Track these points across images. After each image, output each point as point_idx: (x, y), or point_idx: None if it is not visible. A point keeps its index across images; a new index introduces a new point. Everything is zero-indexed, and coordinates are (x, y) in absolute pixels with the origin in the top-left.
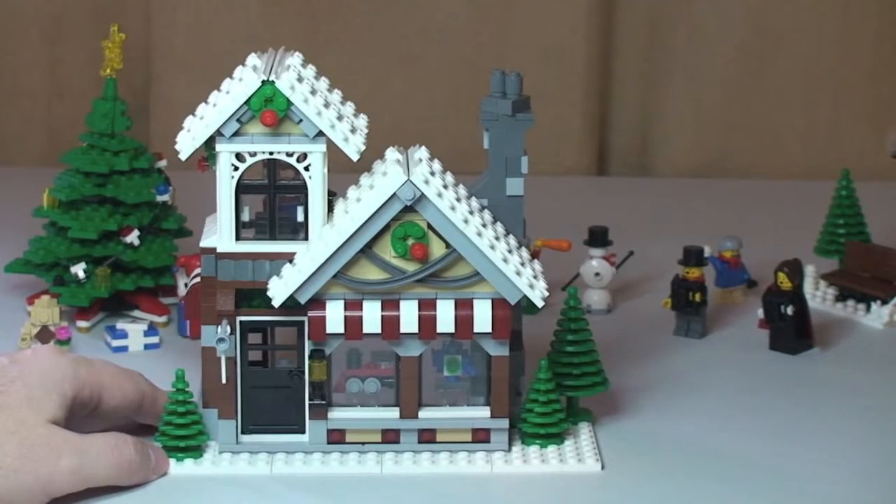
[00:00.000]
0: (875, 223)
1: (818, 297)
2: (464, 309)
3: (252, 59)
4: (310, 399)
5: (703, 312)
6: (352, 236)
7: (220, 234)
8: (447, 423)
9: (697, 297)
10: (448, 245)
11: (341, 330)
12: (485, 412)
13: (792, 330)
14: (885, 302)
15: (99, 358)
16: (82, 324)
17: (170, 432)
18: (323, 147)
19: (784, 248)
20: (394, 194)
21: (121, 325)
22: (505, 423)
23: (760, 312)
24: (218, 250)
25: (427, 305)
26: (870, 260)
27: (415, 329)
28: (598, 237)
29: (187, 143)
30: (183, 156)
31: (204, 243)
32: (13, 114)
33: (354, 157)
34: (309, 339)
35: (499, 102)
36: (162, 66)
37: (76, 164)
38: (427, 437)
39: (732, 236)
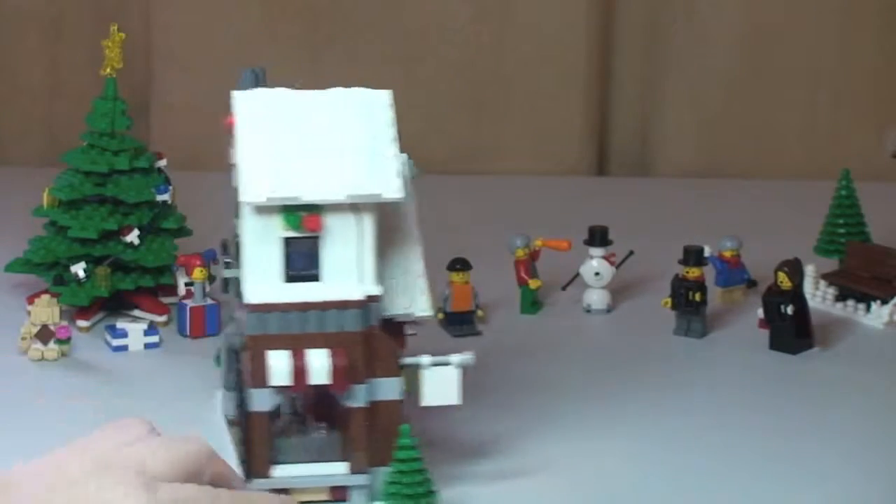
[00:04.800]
0: (875, 223)
1: (818, 296)
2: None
3: None
4: None
5: (703, 312)
6: None
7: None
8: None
9: (697, 296)
10: None
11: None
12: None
13: (792, 330)
14: (885, 302)
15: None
16: (82, 323)
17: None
18: None
19: (784, 248)
20: None
21: (121, 324)
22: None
23: (760, 312)
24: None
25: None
26: (870, 260)
27: None
28: (598, 237)
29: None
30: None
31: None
32: (13, 113)
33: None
34: None
35: None
36: (162, 66)
37: (76, 164)
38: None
39: (732, 236)
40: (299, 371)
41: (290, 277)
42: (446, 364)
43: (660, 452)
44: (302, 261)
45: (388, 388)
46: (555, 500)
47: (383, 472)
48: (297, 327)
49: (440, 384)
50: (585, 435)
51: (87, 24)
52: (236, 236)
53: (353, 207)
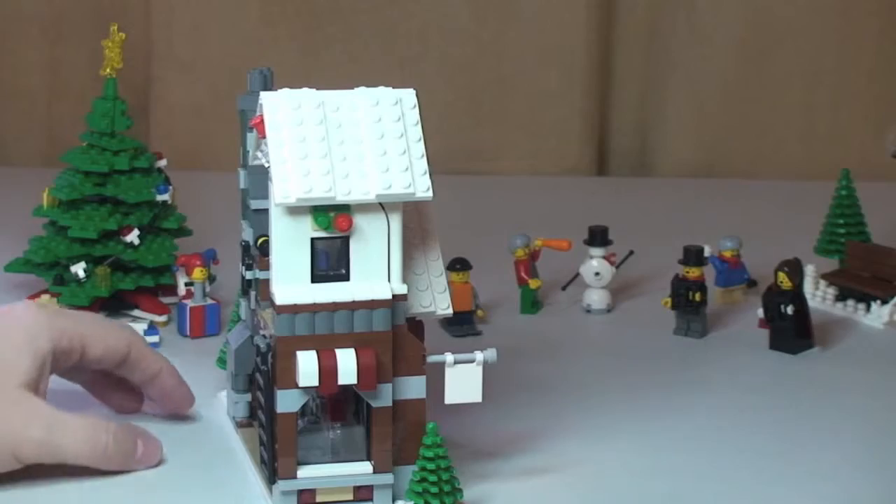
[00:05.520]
0: (875, 223)
1: (818, 296)
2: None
3: None
4: None
5: (703, 312)
6: None
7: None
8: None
9: (697, 296)
10: None
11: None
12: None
13: (792, 330)
14: (885, 302)
15: (85, 312)
16: None
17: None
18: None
19: (784, 248)
20: None
21: None
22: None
23: (760, 312)
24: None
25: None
26: (870, 260)
27: None
28: (598, 237)
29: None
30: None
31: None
32: (13, 114)
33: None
34: None
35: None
36: (162, 66)
37: (76, 164)
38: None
39: (732, 236)
40: (329, 372)
41: (319, 277)
42: (470, 362)
43: (660, 452)
44: (331, 261)
45: (414, 387)
46: (558, 499)
47: (409, 471)
48: (325, 328)
49: (463, 382)
50: (586, 434)
51: (87, 24)
52: (244, 239)
53: (382, 207)
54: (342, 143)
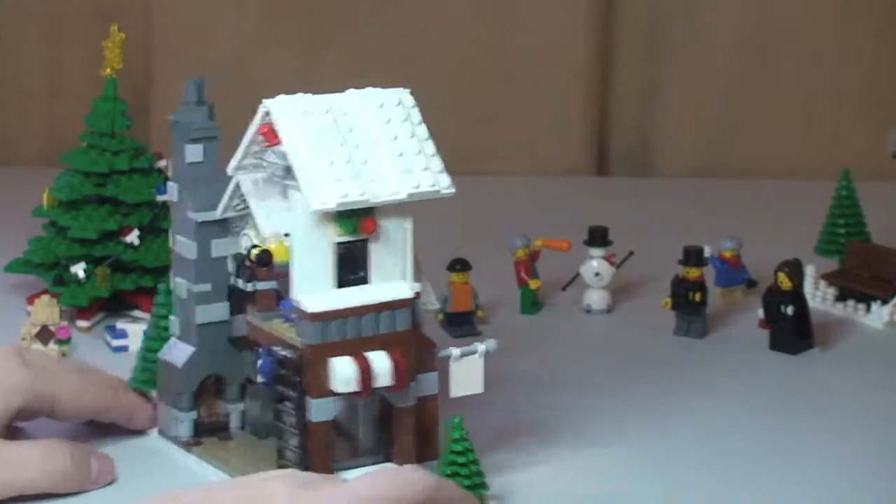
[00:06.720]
0: (875, 223)
1: (818, 297)
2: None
3: None
4: None
5: (703, 312)
6: None
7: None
8: None
9: (697, 297)
10: None
11: None
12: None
13: (792, 330)
14: (885, 302)
15: (69, 362)
16: (82, 323)
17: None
18: None
19: (784, 248)
20: None
21: (121, 324)
22: None
23: (760, 312)
24: None
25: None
26: (870, 260)
27: None
28: (598, 237)
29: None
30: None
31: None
32: (13, 114)
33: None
34: None
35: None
36: (162, 66)
37: (76, 164)
38: None
39: (732, 236)
40: (364, 376)
41: (343, 282)
42: (472, 354)
43: (658, 453)
44: (352, 264)
45: (428, 384)
46: (557, 500)
47: (429, 468)
48: (354, 332)
49: (466, 375)
50: (585, 435)
51: (87, 24)
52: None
53: (400, 207)
54: (358, 147)
